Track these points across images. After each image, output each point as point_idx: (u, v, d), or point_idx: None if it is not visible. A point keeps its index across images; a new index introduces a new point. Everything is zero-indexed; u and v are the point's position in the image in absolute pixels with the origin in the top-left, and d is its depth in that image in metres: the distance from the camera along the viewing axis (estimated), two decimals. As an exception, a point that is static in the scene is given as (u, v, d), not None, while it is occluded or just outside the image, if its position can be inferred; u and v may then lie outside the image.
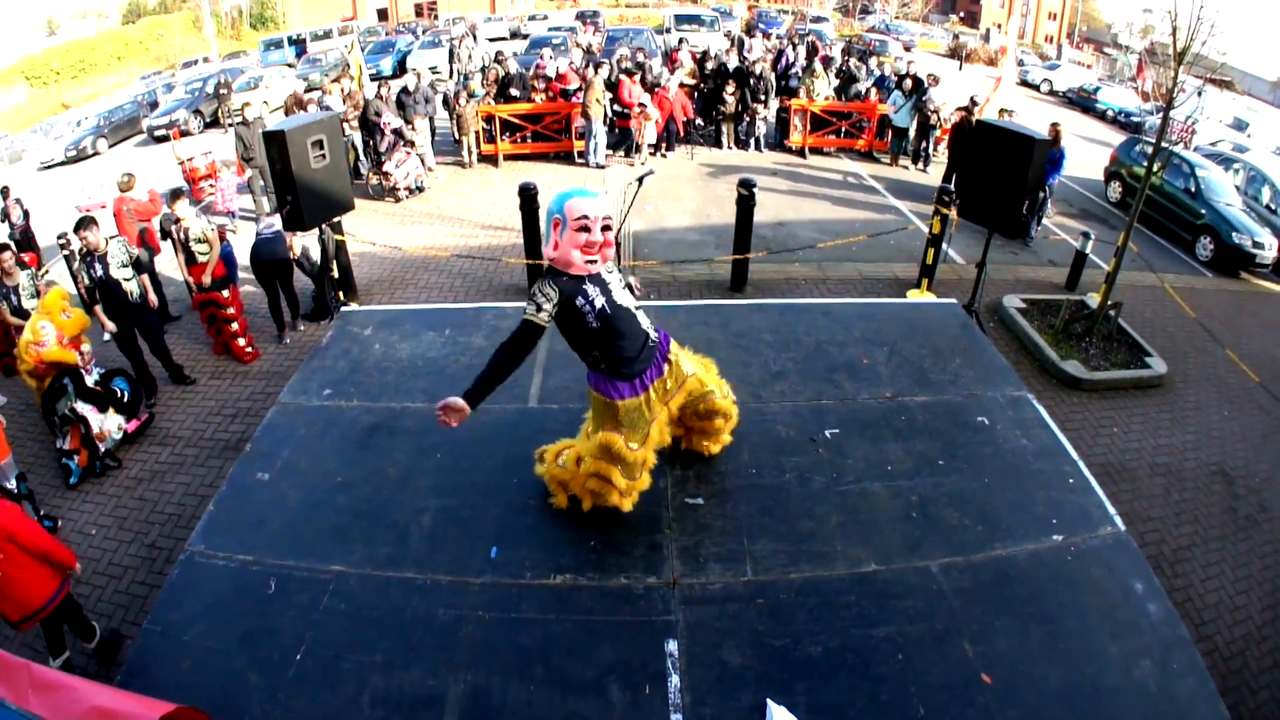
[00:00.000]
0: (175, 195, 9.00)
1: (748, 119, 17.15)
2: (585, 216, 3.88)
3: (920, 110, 15.95)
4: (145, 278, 8.21)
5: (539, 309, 3.91)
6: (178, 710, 3.28)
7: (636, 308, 4.25)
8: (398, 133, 13.99)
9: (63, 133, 24.82)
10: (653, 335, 4.34)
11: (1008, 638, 3.99)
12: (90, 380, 7.53)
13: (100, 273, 7.79)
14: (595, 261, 3.98)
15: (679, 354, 4.54)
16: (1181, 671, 3.87)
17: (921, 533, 4.61)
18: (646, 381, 4.29)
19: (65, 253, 10.55)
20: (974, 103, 14.57)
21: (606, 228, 3.96)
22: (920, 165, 16.49)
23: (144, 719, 3.14)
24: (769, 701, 3.62)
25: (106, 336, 8.03)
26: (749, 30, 30.78)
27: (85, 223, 7.89)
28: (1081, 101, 28.46)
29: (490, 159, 16.37)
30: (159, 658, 3.99)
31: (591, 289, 4.01)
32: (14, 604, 4.78)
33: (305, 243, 9.52)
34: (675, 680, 3.74)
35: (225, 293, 8.82)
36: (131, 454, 7.56)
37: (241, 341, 9.09)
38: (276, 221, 8.95)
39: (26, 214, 12.15)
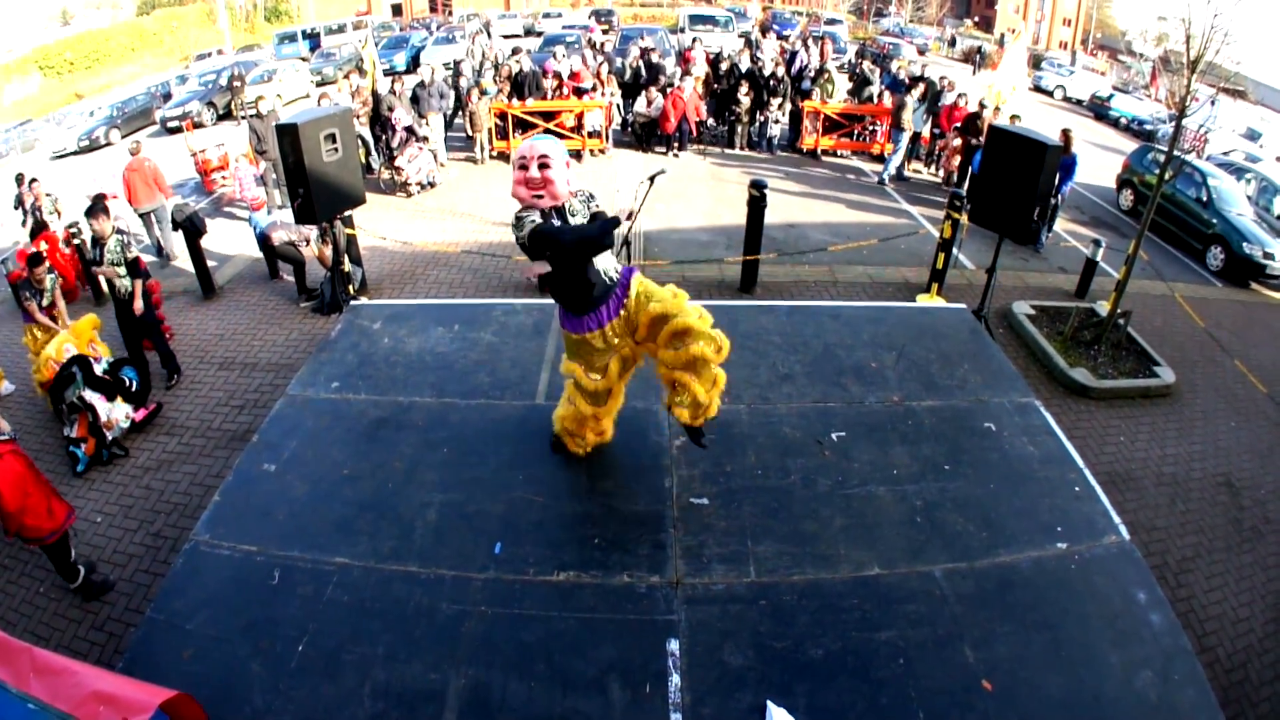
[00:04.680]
0: (94, 210, 8.44)
1: (760, 120, 17.15)
2: (522, 156, 4.18)
3: (933, 114, 15.92)
4: (140, 282, 8.21)
5: (532, 220, 4.15)
6: (177, 697, 3.29)
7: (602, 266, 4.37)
8: (409, 130, 14.01)
9: (75, 122, 24.92)
10: (613, 274, 4.41)
11: (1009, 644, 3.99)
12: (99, 369, 7.57)
13: (97, 257, 7.93)
14: (542, 197, 4.17)
15: (643, 288, 4.46)
16: (1182, 682, 3.86)
17: (925, 537, 4.62)
18: (602, 318, 4.42)
19: (76, 242, 10.60)
20: (982, 105, 14.60)
21: (544, 165, 4.13)
22: (933, 169, 16.44)
23: (145, 705, 3.15)
24: (769, 703, 3.62)
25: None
26: (763, 31, 30.74)
27: (95, 210, 7.99)
28: (1095, 109, 28.34)
29: (502, 155, 16.39)
30: (162, 646, 4.01)
31: (556, 220, 4.23)
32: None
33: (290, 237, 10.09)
34: (676, 680, 3.75)
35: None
36: (139, 443, 7.59)
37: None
38: (279, 215, 9.06)
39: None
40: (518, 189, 4.22)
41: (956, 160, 14.90)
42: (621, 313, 4.43)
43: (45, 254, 8.90)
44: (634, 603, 4.17)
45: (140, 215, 12.20)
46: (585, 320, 4.41)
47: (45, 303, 8.16)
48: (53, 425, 7.76)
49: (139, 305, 8.23)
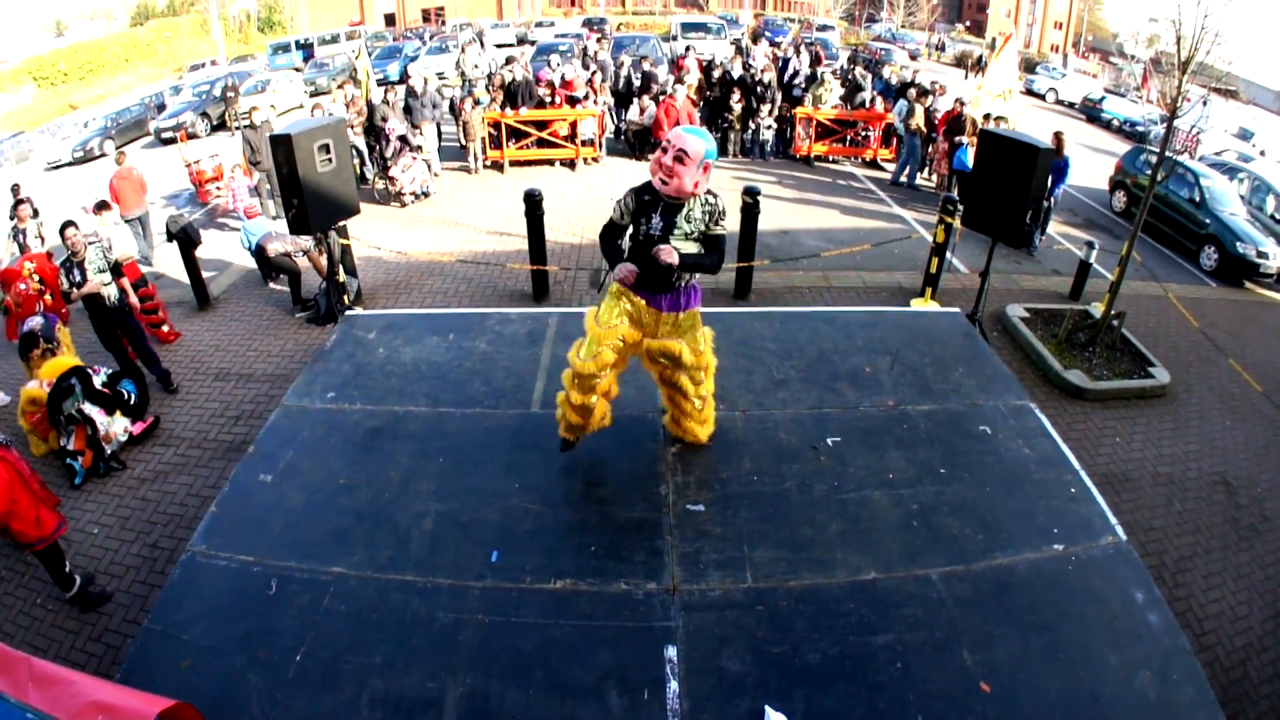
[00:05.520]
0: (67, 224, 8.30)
1: (753, 127, 17.19)
2: (667, 139, 4.34)
3: (926, 119, 15.96)
4: (125, 280, 8.28)
5: (619, 215, 4.57)
6: (176, 706, 3.29)
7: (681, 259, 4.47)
8: (403, 139, 14.03)
9: (70, 133, 24.91)
10: (683, 283, 4.68)
11: (1007, 647, 3.99)
12: (98, 382, 7.55)
13: (79, 278, 7.87)
14: (666, 184, 4.33)
15: (696, 323, 4.87)
16: (1181, 681, 3.87)
17: (922, 541, 4.62)
18: (645, 295, 4.65)
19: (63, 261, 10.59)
20: (962, 102, 14.71)
21: (679, 158, 4.25)
22: (926, 174, 16.47)
23: (143, 714, 3.15)
24: (767, 708, 3.62)
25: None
26: (755, 38, 30.83)
27: (66, 224, 8.02)
28: (1087, 111, 28.45)
29: (496, 165, 16.42)
30: (159, 657, 4.00)
31: (656, 219, 4.46)
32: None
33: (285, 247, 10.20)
34: (674, 686, 3.75)
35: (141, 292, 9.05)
36: (135, 454, 7.57)
37: (165, 329, 9.63)
38: (274, 226, 9.10)
39: (36, 212, 12.19)
40: (653, 165, 4.40)
41: (946, 165, 14.97)
42: (665, 315, 4.71)
43: (25, 275, 8.95)
44: (631, 610, 4.17)
45: (127, 222, 12.25)
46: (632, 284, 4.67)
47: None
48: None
49: (134, 301, 8.34)
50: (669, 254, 4.30)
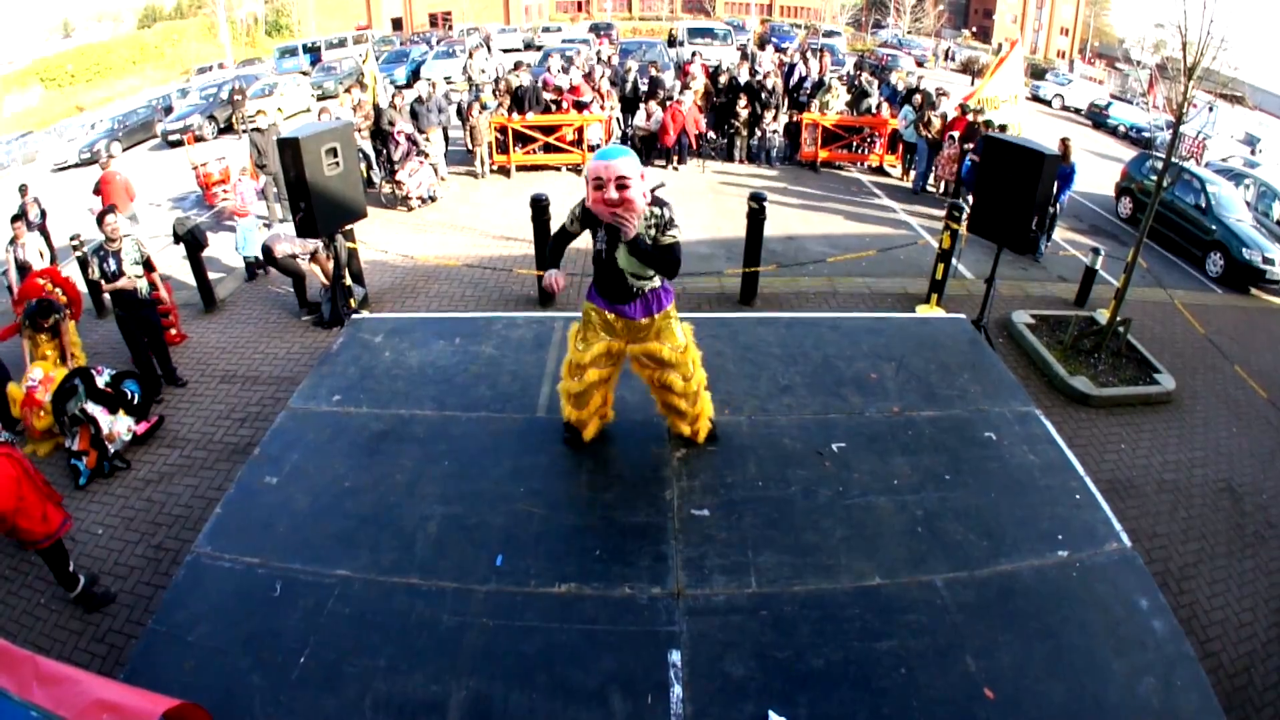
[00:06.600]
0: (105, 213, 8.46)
1: (759, 132, 17.20)
2: (597, 176, 4.18)
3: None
4: (156, 275, 8.39)
5: (570, 222, 4.57)
6: (181, 706, 3.29)
7: (631, 274, 4.56)
8: (411, 139, 14.06)
9: (76, 135, 25.00)
10: (642, 286, 4.67)
11: (1011, 653, 3.98)
12: (101, 381, 7.58)
13: (114, 268, 8.01)
14: (625, 221, 4.20)
15: (670, 323, 4.89)
16: (1185, 688, 3.85)
17: (926, 547, 4.61)
18: (610, 308, 4.74)
19: (78, 255, 10.61)
20: (963, 109, 14.71)
21: (622, 185, 4.14)
22: (930, 179, 16.45)
23: (148, 713, 3.15)
24: (771, 713, 3.62)
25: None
26: (761, 44, 30.84)
27: (106, 210, 8.25)
28: (1093, 117, 28.42)
29: (503, 169, 16.45)
30: (163, 658, 4.00)
31: (601, 233, 4.49)
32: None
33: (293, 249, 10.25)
34: (678, 691, 3.74)
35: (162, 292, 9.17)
36: (140, 455, 7.60)
37: (173, 331, 9.64)
38: (281, 229, 9.20)
39: (44, 213, 12.26)
40: (598, 207, 4.25)
41: (954, 168, 14.96)
42: (643, 320, 4.76)
43: (47, 290, 8.98)
44: (635, 614, 4.16)
45: None
46: (600, 299, 4.77)
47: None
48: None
49: (164, 294, 8.59)
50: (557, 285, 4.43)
